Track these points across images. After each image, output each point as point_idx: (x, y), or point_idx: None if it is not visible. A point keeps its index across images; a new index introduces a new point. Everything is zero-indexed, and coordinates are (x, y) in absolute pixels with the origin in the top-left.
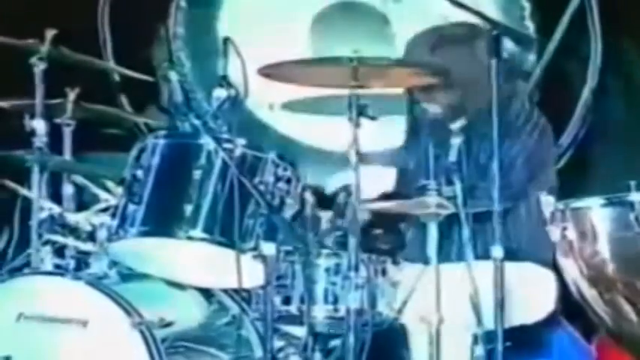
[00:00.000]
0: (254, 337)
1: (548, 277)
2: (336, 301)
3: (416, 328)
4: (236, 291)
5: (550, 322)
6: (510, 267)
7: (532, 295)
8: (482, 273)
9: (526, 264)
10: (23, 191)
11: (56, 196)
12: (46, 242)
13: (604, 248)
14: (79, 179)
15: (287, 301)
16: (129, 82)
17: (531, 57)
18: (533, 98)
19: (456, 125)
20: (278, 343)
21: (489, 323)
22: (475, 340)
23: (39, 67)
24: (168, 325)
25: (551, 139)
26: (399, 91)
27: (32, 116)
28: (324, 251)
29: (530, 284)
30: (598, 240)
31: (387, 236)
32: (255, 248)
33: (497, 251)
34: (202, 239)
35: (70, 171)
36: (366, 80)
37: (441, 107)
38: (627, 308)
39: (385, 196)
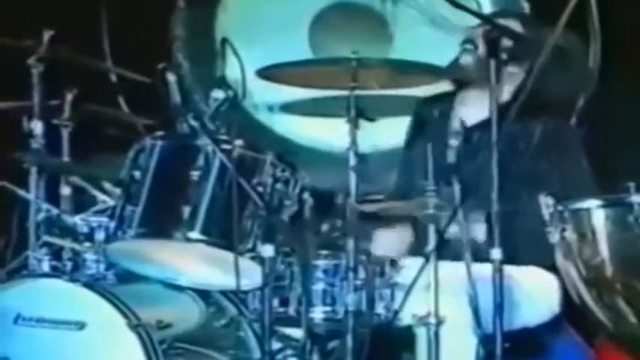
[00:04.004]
0: (252, 339)
1: (552, 281)
2: (334, 302)
3: (415, 330)
4: (234, 292)
5: (553, 326)
6: (514, 270)
7: (536, 299)
8: (483, 275)
9: (530, 268)
10: (21, 193)
11: (54, 198)
12: (44, 244)
13: (603, 250)
14: (77, 181)
15: (285, 302)
16: (127, 83)
17: None
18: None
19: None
20: (276, 345)
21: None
22: (480, 341)
23: (37, 68)
24: (166, 327)
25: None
26: (398, 92)
27: (30, 117)
28: (323, 252)
29: (534, 288)
30: (597, 241)
31: None
32: (253, 250)
33: (496, 253)
34: (200, 241)
35: (68, 172)
36: (364, 81)
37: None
38: (627, 310)
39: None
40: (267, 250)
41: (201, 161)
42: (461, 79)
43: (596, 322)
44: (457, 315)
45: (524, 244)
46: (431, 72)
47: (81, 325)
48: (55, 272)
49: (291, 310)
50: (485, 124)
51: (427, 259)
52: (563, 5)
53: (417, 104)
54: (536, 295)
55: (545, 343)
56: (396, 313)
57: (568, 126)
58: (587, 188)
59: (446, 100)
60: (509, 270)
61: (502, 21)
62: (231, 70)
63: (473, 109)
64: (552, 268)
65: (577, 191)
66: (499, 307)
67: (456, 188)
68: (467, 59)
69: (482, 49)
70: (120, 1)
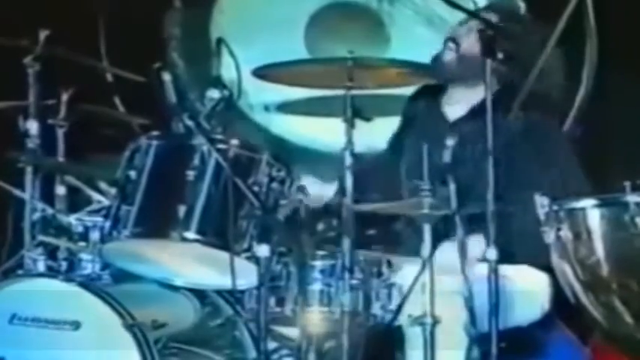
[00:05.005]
0: (247, 339)
1: (544, 279)
2: (330, 302)
3: (410, 330)
4: (230, 292)
5: (545, 324)
6: (506, 269)
7: (527, 298)
8: (477, 274)
9: (521, 266)
10: (16, 192)
11: (49, 198)
12: (39, 244)
13: (599, 249)
14: (72, 180)
15: (281, 302)
16: (122, 83)
17: None
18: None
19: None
20: (272, 345)
21: (485, 325)
22: (471, 341)
23: (33, 68)
24: (162, 326)
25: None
26: (395, 91)
27: (26, 117)
28: (319, 252)
29: (525, 287)
30: (593, 241)
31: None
32: (249, 249)
33: (491, 253)
34: (196, 240)
35: (63, 172)
36: (361, 81)
37: None
38: (622, 309)
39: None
40: (263, 250)
41: (196, 161)
42: (445, 77)
43: (591, 321)
44: (450, 314)
45: (516, 243)
46: (427, 71)
47: (76, 325)
48: (51, 272)
49: (288, 310)
50: (465, 119)
51: (423, 260)
52: (558, 3)
53: (405, 103)
54: (527, 293)
55: (538, 342)
56: (396, 314)
57: (549, 120)
58: (579, 181)
59: (432, 98)
60: (501, 269)
61: (492, 17)
62: (227, 70)
63: (453, 105)
64: (546, 267)
65: (570, 184)
66: (495, 307)
67: (452, 188)
68: (449, 56)
69: (465, 46)
70: (116, 1)
